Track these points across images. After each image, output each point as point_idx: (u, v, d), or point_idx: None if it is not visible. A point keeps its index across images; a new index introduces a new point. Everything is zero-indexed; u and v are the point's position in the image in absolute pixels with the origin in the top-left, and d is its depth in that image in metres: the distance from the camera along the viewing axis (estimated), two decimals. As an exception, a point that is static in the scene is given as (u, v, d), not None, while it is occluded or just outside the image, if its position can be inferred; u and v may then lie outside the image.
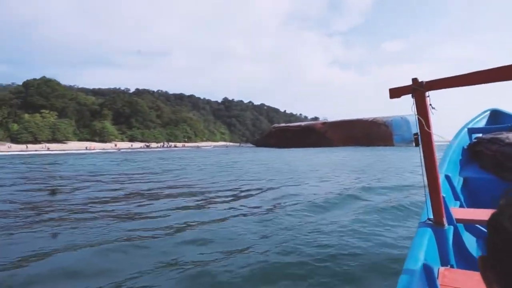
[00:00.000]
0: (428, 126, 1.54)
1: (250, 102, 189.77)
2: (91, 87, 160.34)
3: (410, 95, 1.53)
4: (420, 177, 1.66)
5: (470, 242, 2.14)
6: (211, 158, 25.33)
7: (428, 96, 1.53)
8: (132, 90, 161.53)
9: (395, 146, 45.02)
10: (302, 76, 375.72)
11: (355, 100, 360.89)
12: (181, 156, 30.02)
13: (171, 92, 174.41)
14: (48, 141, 74.99)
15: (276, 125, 79.28)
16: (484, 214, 1.88)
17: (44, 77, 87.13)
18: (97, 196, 7.63)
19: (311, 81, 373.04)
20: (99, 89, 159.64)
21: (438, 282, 1.41)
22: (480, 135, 3.35)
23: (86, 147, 73.24)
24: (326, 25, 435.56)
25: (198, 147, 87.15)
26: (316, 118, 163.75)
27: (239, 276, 3.01)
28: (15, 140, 71.23)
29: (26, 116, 76.18)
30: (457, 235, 1.96)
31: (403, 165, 13.98)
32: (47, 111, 79.76)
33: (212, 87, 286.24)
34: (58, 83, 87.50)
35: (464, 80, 1.39)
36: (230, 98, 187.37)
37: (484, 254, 0.52)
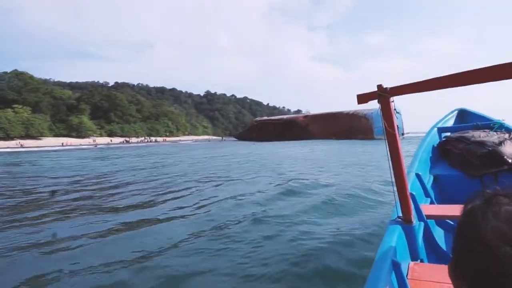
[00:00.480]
0: (393, 129, 1.63)
1: (233, 95, 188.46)
2: (68, 80, 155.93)
3: (376, 100, 1.60)
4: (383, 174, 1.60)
5: (441, 236, 2.24)
6: (185, 153, 24.38)
7: (393, 101, 1.60)
8: (111, 83, 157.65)
9: (375, 138, 45.10)
10: (286, 69, 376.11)
11: (338, 94, 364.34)
12: (156, 152, 28.82)
13: (152, 85, 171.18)
14: (22, 138, 71.75)
15: (258, 118, 78.50)
16: (453, 209, 1.99)
17: (15, 70, 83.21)
18: (38, 198, 6.72)
19: (295, 74, 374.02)
20: (77, 82, 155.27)
21: (408, 276, 1.48)
22: (449, 134, 3.52)
23: (62, 143, 70.61)
24: (309, 18, 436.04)
25: (176, 142, 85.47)
26: (299, 111, 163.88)
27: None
28: (-15, 137, 67.73)
29: (-3, 111, 72.53)
30: (427, 231, 2.02)
31: (375, 158, 13.45)
32: (20, 106, 76.18)
33: (194, 81, 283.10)
34: (31, 77, 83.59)
35: (426, 86, 1.45)
36: (212, 92, 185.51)
37: (452, 261, 0.53)
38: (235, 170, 11.33)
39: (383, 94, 1.55)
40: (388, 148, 1.66)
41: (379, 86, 1.56)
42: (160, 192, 7.35)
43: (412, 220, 1.73)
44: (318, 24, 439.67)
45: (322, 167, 11.31)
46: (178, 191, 7.42)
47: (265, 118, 76.05)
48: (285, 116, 69.26)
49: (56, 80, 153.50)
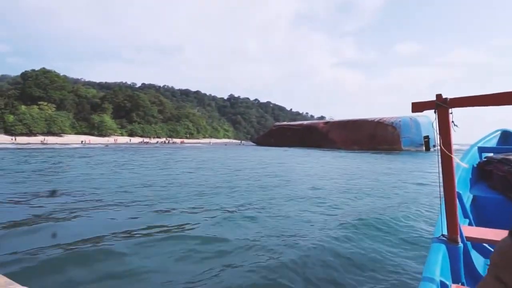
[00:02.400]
0: (449, 144, 1.53)
1: (256, 99, 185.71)
2: (98, 80, 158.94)
3: (433, 110, 1.52)
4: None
5: (478, 260, 2.14)
6: (178, 155, 21.06)
7: (451, 113, 1.52)
8: (138, 84, 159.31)
9: (403, 150, 40.14)
10: (311, 75, 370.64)
11: (364, 101, 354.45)
12: (151, 155, 25.70)
13: (177, 87, 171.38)
14: (44, 134, 71.90)
15: (277, 123, 74.54)
16: (492, 234, 1.95)
17: (43, 68, 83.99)
18: None
19: (319, 80, 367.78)
20: (106, 82, 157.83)
21: None
22: (491, 154, 3.35)
23: (81, 141, 70.08)
24: (335, 26, 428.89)
25: (182, 142, 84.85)
26: (322, 118, 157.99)
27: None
28: (9, 131, 68.08)
29: (23, 107, 73.04)
30: (466, 253, 1.95)
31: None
32: (45, 103, 76.62)
33: (218, 84, 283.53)
34: (57, 75, 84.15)
35: (491, 100, 1.37)
36: (236, 95, 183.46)
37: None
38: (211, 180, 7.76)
39: (441, 105, 1.45)
40: (441, 164, 1.55)
41: (438, 96, 1.47)
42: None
43: (458, 240, 1.66)
44: (345, 31, 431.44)
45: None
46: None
47: (285, 123, 72.13)
48: (305, 122, 64.99)
49: (87, 80, 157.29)
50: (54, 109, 77.77)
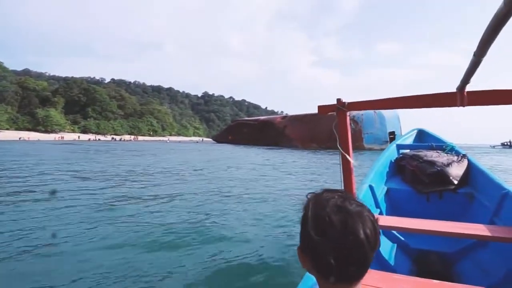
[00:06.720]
0: (347, 141, 1.64)
1: (230, 97, 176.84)
2: (63, 75, 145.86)
3: (335, 112, 1.61)
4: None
5: (385, 246, 2.24)
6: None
7: (349, 115, 1.63)
8: (107, 80, 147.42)
9: (365, 148, 32.57)
10: (288, 74, 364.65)
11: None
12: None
13: (149, 84, 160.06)
14: (-27, 129, 60.90)
15: (236, 119, 66.33)
16: (399, 221, 2.06)
17: (-18, 56, 72.39)
18: None
19: (297, 79, 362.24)
20: (72, 77, 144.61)
21: None
22: (407, 151, 3.50)
23: (19, 138, 59.78)
24: (314, 25, 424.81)
25: (135, 139, 75.94)
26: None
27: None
28: None
29: (-51, 99, 61.83)
30: None
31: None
32: (-20, 95, 65.63)
33: (194, 81, 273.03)
34: (-2, 64, 72.79)
35: (381, 104, 1.52)
36: (210, 93, 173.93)
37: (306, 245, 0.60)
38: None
39: (341, 108, 1.55)
40: (341, 159, 1.64)
41: (338, 100, 1.56)
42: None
43: None
44: (323, 31, 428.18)
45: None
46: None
47: (243, 119, 63.93)
48: (261, 117, 56.89)
49: (51, 74, 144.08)
50: (-9, 101, 66.80)
